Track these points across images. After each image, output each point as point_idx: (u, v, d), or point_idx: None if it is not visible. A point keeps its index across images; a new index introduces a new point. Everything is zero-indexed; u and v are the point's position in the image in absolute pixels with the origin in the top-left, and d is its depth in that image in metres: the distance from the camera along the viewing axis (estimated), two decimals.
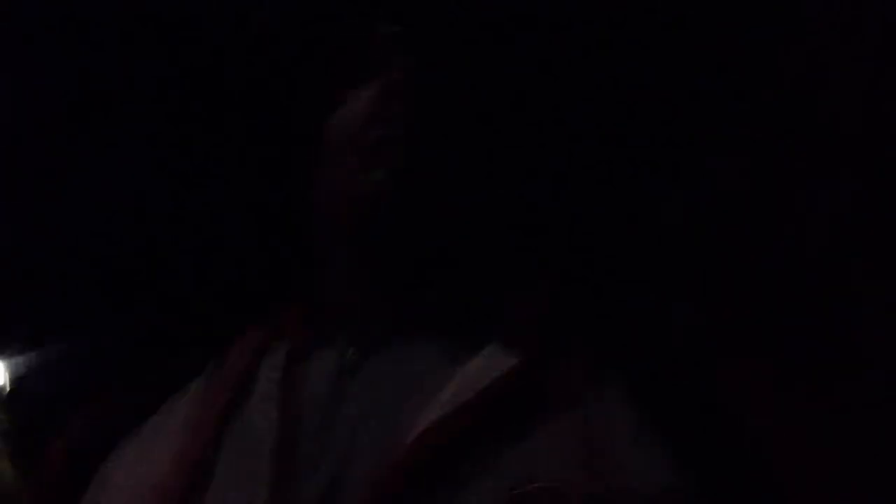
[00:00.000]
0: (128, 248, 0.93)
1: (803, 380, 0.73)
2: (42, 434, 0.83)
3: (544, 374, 0.66)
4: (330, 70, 0.79)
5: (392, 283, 0.74)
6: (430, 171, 0.71)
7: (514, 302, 0.73)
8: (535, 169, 0.80)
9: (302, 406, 0.67)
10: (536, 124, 0.80)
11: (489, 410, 0.63)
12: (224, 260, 0.89)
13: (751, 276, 0.80)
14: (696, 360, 0.71)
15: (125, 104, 0.92)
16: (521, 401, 0.64)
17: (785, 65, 0.82)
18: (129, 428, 0.75)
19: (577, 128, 0.84)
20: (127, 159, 0.93)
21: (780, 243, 0.80)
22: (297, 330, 0.75)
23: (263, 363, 0.73)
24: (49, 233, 0.95)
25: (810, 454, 0.69)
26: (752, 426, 0.68)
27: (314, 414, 0.66)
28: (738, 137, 0.83)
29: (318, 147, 0.76)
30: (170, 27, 0.88)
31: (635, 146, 0.85)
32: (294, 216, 0.82)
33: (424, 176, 0.71)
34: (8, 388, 0.86)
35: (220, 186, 0.90)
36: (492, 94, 0.77)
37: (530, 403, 0.64)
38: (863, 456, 0.70)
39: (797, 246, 0.79)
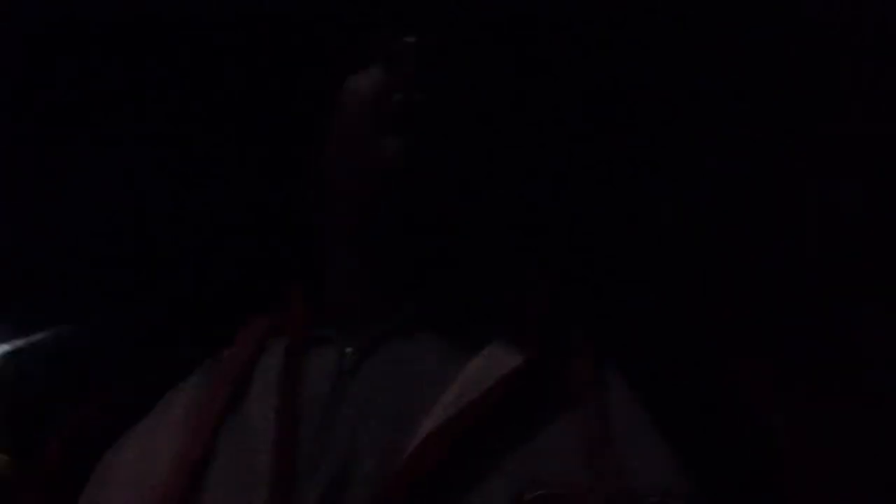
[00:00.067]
0: (127, 248, 0.93)
1: (803, 380, 0.73)
2: (40, 429, 0.83)
3: (546, 375, 0.66)
4: (330, 70, 0.79)
5: (392, 283, 0.74)
6: (431, 170, 0.71)
7: (514, 302, 0.73)
8: (536, 169, 0.80)
9: (301, 406, 0.67)
10: (536, 124, 0.80)
11: (492, 411, 0.63)
12: (224, 259, 0.89)
13: (751, 276, 0.80)
14: (697, 360, 0.71)
15: (125, 104, 0.92)
16: (524, 401, 0.64)
17: (785, 65, 0.82)
18: (128, 424, 0.75)
19: (577, 128, 0.84)
20: (127, 159, 0.93)
21: (780, 243, 0.80)
22: (296, 328, 0.74)
23: (261, 362, 0.72)
24: (49, 233, 0.95)
25: (810, 454, 0.69)
26: (752, 426, 0.68)
27: (313, 414, 0.66)
28: (738, 137, 0.83)
29: (324, 133, 0.76)
30: (170, 27, 0.88)
31: (635, 146, 0.85)
32: (294, 216, 0.82)
33: (425, 175, 0.71)
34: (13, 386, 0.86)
35: (220, 186, 0.90)
36: (492, 94, 0.77)
37: (533, 404, 0.64)
38: (863, 456, 0.70)
39: (797, 246, 0.79)
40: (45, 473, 0.78)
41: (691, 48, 0.84)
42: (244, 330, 0.76)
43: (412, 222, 0.72)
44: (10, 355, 0.89)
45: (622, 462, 0.61)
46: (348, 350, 0.69)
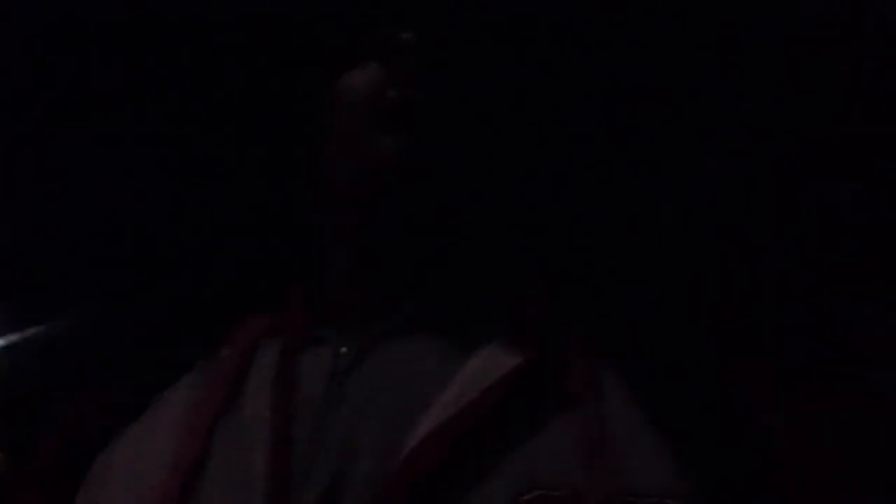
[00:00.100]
0: (127, 248, 0.93)
1: (803, 380, 0.73)
2: (35, 425, 0.83)
3: (545, 375, 0.66)
4: (330, 70, 0.79)
5: (391, 283, 0.74)
6: (430, 169, 0.71)
7: (513, 302, 0.72)
8: (536, 169, 0.80)
9: (295, 406, 0.67)
10: (536, 124, 0.80)
11: (491, 412, 0.63)
12: (224, 259, 0.89)
13: (751, 276, 0.80)
14: (697, 360, 0.70)
15: (125, 104, 0.92)
16: (523, 402, 0.64)
17: (785, 65, 0.82)
18: (126, 423, 0.75)
19: (577, 128, 0.84)
20: (127, 159, 0.93)
21: (780, 243, 0.80)
22: (292, 328, 0.74)
23: (256, 361, 0.72)
24: (49, 233, 0.95)
25: (810, 454, 0.69)
26: (752, 426, 0.68)
27: (308, 414, 0.66)
28: (738, 137, 0.83)
29: (323, 132, 0.76)
30: (170, 27, 0.88)
31: (635, 146, 0.85)
32: (294, 216, 0.82)
33: (424, 174, 0.71)
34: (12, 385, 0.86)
35: (220, 186, 0.90)
36: (492, 94, 0.77)
37: (531, 404, 0.64)
38: (863, 456, 0.70)
39: (797, 246, 0.79)
40: (41, 469, 0.78)
41: (691, 48, 0.84)
42: (240, 329, 0.76)
43: (411, 222, 0.72)
44: (4, 350, 0.88)
45: (620, 462, 0.61)
46: (343, 350, 0.69)
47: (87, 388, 0.84)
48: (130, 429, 0.74)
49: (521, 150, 0.79)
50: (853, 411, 0.71)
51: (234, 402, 0.69)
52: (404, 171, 0.70)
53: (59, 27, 0.89)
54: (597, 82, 0.84)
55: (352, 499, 0.60)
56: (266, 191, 0.87)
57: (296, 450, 0.63)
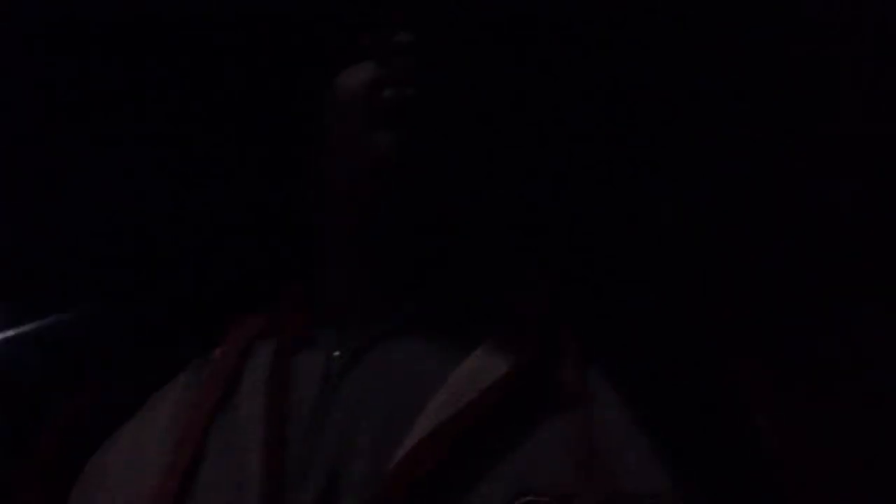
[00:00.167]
0: (127, 247, 0.93)
1: (803, 380, 0.73)
2: (34, 423, 0.83)
3: (541, 376, 0.66)
4: (330, 70, 0.79)
5: (391, 283, 0.73)
6: (429, 169, 0.71)
7: (513, 302, 0.72)
8: (535, 169, 0.80)
9: (290, 407, 0.67)
10: (536, 124, 0.80)
11: (488, 413, 0.63)
12: (223, 259, 0.89)
13: (751, 277, 0.80)
14: (696, 361, 0.70)
15: (125, 104, 0.92)
16: (517, 404, 0.64)
17: (785, 65, 0.82)
18: (123, 421, 0.75)
19: (577, 128, 0.84)
20: (127, 159, 0.93)
21: (780, 243, 0.80)
22: (286, 329, 0.74)
23: (251, 362, 0.72)
24: (49, 232, 0.95)
25: (810, 454, 0.69)
26: (752, 426, 0.68)
27: (303, 415, 0.65)
28: (738, 137, 0.83)
29: (323, 132, 0.76)
30: (170, 27, 0.88)
31: (635, 146, 0.85)
32: (293, 216, 0.82)
33: (425, 174, 0.71)
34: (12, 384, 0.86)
35: (220, 186, 0.90)
36: (492, 94, 0.77)
37: (527, 406, 0.64)
38: (863, 456, 0.70)
39: (797, 246, 0.79)
40: (40, 467, 0.78)
41: (691, 48, 0.84)
42: (236, 329, 0.76)
43: (411, 222, 0.72)
44: (3, 344, 0.88)
45: (615, 465, 0.61)
46: (336, 354, 0.69)
47: (87, 387, 0.84)
48: (125, 428, 0.74)
49: (520, 149, 0.79)
50: (853, 411, 0.71)
51: (229, 401, 0.69)
52: (403, 171, 0.70)
53: (59, 27, 0.89)
54: (597, 82, 0.84)
55: (348, 500, 0.60)
56: (266, 191, 0.87)
57: (290, 450, 0.63)
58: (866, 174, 0.78)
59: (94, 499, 0.70)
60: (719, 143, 0.84)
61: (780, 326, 0.76)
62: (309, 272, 0.79)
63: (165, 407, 0.73)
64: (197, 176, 0.92)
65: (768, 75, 0.82)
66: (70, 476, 0.73)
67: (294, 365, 0.70)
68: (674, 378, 0.68)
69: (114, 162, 0.93)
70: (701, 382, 0.68)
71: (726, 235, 0.82)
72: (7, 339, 0.89)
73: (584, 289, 0.78)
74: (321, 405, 0.66)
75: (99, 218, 0.93)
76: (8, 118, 0.92)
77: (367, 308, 0.73)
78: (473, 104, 0.75)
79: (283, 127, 0.83)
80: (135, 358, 0.85)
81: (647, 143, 0.85)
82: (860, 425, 0.71)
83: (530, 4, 0.82)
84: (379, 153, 0.69)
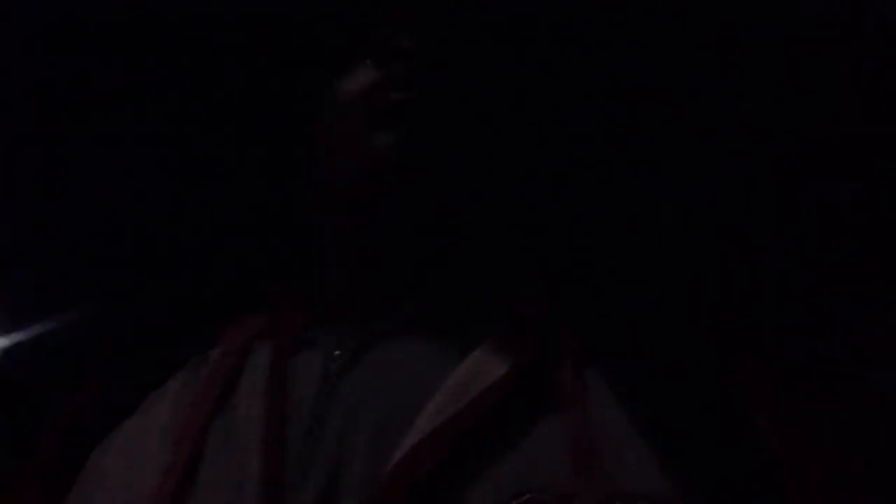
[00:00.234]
0: (127, 247, 0.93)
1: (803, 380, 0.73)
2: (32, 422, 0.83)
3: (543, 375, 0.66)
4: (330, 70, 0.78)
5: (390, 283, 0.73)
6: (431, 170, 0.71)
7: (513, 302, 0.72)
8: (535, 169, 0.80)
9: (289, 408, 0.66)
10: (537, 124, 0.80)
11: (486, 414, 0.63)
12: (223, 259, 0.89)
13: (751, 276, 0.80)
14: (696, 360, 0.70)
15: (125, 104, 0.92)
16: (517, 404, 0.64)
17: (785, 65, 0.82)
18: (121, 419, 0.75)
19: (578, 128, 0.84)
20: (127, 159, 0.93)
21: (780, 243, 0.80)
22: (284, 329, 0.74)
23: (249, 362, 0.72)
24: (49, 233, 0.95)
25: (810, 454, 0.69)
26: (751, 426, 0.68)
27: (302, 416, 0.65)
28: (738, 137, 0.83)
29: (323, 133, 0.76)
30: (170, 27, 0.88)
31: (635, 146, 0.85)
32: (293, 216, 0.82)
33: (425, 174, 0.71)
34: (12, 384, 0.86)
35: (220, 186, 0.90)
36: (492, 94, 0.77)
37: (526, 406, 0.64)
38: (863, 456, 0.70)
39: (797, 246, 0.79)
40: (40, 467, 0.78)
41: (691, 48, 0.84)
42: (235, 329, 0.76)
43: (411, 222, 0.72)
44: (6, 350, 0.88)
45: (613, 466, 0.61)
46: (336, 353, 0.69)
47: (87, 387, 0.84)
48: (124, 427, 0.74)
49: (520, 149, 0.79)
50: (853, 411, 0.71)
51: (228, 401, 0.69)
52: (403, 171, 0.70)
53: (59, 27, 0.89)
54: (597, 82, 0.84)
55: (347, 500, 0.60)
56: (266, 191, 0.86)
57: (289, 451, 0.63)
58: (866, 174, 0.78)
59: (93, 498, 0.70)
60: (719, 143, 0.84)
61: (780, 326, 0.76)
62: (308, 272, 0.79)
63: (164, 406, 0.73)
64: (197, 176, 0.92)
65: (768, 75, 0.82)
66: (70, 476, 0.73)
67: (293, 365, 0.70)
68: (674, 378, 0.68)
69: (114, 162, 0.93)
70: (701, 382, 0.68)
71: (726, 235, 0.82)
72: (10, 346, 0.89)
73: (584, 289, 0.78)
74: (320, 405, 0.66)
75: (99, 218, 0.93)
76: (8, 118, 0.92)
77: (367, 308, 0.73)
78: (473, 104, 0.75)
79: (283, 127, 0.83)
80: (135, 358, 0.85)
81: (647, 143, 0.85)
82: (860, 425, 0.71)
83: (530, 4, 0.82)
84: (379, 154, 0.70)
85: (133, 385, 0.79)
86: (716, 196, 0.83)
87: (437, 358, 0.67)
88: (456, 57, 0.75)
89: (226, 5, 0.87)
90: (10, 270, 0.94)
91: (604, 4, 0.84)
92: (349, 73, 0.74)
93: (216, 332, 0.77)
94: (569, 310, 0.73)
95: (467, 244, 0.75)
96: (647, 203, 0.85)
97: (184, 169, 0.92)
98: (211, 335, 0.77)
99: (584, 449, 0.61)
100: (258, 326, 0.76)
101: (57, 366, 0.89)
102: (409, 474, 0.59)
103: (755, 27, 0.82)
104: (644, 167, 0.86)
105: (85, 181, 0.93)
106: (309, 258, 0.79)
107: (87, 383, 0.85)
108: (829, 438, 0.70)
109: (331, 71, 0.77)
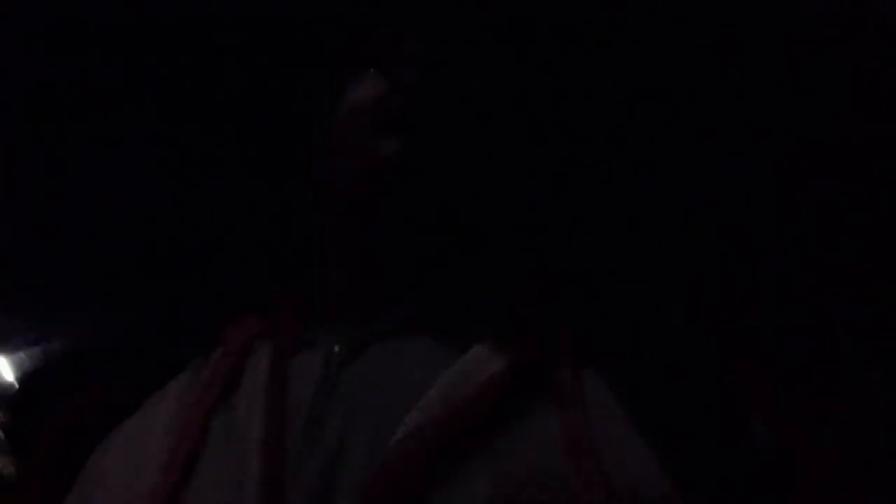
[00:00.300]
0: (127, 248, 0.93)
1: (803, 380, 0.73)
2: (32, 422, 0.83)
3: (542, 375, 0.66)
4: (331, 69, 0.79)
5: (391, 283, 0.74)
6: (431, 170, 0.71)
7: (513, 302, 0.72)
8: (535, 169, 0.80)
9: (288, 408, 0.67)
10: (536, 124, 0.80)
11: (483, 410, 0.63)
12: (223, 259, 0.89)
13: (751, 276, 0.80)
14: (696, 360, 0.70)
15: (125, 104, 0.92)
16: (517, 401, 0.64)
17: (785, 65, 0.82)
18: (121, 419, 0.75)
19: (578, 128, 0.84)
20: (127, 159, 0.93)
21: (780, 243, 0.80)
22: (284, 329, 0.74)
23: (250, 362, 0.72)
24: (49, 233, 0.95)
25: (810, 454, 0.69)
26: (751, 426, 0.68)
27: (301, 415, 0.66)
28: (738, 137, 0.83)
29: (323, 133, 0.76)
30: (170, 27, 0.88)
31: (635, 146, 0.85)
32: (294, 216, 0.82)
33: (425, 175, 0.71)
34: (14, 385, 0.86)
35: (220, 186, 0.90)
36: (492, 94, 0.77)
37: (526, 404, 0.64)
38: (863, 456, 0.70)
39: (797, 246, 0.79)
40: (40, 464, 0.78)
41: (691, 48, 0.84)
42: (235, 330, 0.76)
43: (411, 222, 0.72)
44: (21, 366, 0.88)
45: (614, 466, 0.61)
46: (336, 350, 0.69)
47: (87, 387, 0.84)
48: (123, 428, 0.74)
49: (520, 150, 0.79)
50: (853, 411, 0.71)
51: (228, 401, 0.69)
52: (404, 171, 0.70)
53: (59, 27, 0.89)
54: (597, 82, 0.84)
55: (345, 498, 0.60)
56: (266, 191, 0.87)
57: (289, 451, 0.63)
58: (866, 174, 0.78)
59: (93, 498, 0.70)
60: (719, 143, 0.84)
61: (780, 326, 0.76)
62: (308, 272, 0.79)
63: (165, 406, 0.73)
64: (197, 176, 0.92)
65: (768, 75, 0.82)
66: (70, 476, 0.73)
67: (293, 365, 0.70)
68: (673, 378, 0.68)
69: (114, 162, 0.93)
70: (700, 382, 0.68)
71: (726, 235, 0.82)
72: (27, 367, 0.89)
73: (584, 289, 0.78)
74: (319, 405, 0.66)
75: (99, 218, 0.93)
76: (8, 118, 0.92)
77: (367, 308, 0.73)
78: (473, 105, 0.75)
79: (283, 127, 0.83)
80: (135, 358, 0.85)
81: (647, 143, 0.85)
82: (860, 425, 0.71)
83: (530, 4, 0.82)
84: (382, 156, 0.70)
85: (133, 385, 0.79)
86: (716, 196, 0.83)
87: (436, 358, 0.67)
88: (456, 58, 0.75)
89: (226, 5, 0.87)
90: (9, 270, 0.94)
91: (604, 4, 0.84)
92: (354, 79, 0.75)
93: (217, 333, 0.77)
94: (569, 310, 0.73)
95: (467, 244, 0.75)
96: (647, 203, 0.85)
97: (184, 169, 0.92)
98: (211, 335, 0.77)
99: (583, 449, 0.61)
100: (258, 327, 0.76)
101: (57, 365, 0.90)
102: (399, 468, 0.59)
103: (755, 27, 0.82)
104: (644, 167, 0.86)
105: (85, 181, 0.93)
106: (309, 258, 0.79)
107: (87, 383, 0.85)
108: (829, 438, 0.70)
109: (331, 71, 0.77)
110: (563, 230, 0.82)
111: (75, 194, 0.94)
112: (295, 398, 0.67)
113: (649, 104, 0.85)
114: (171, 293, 0.90)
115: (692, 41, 0.84)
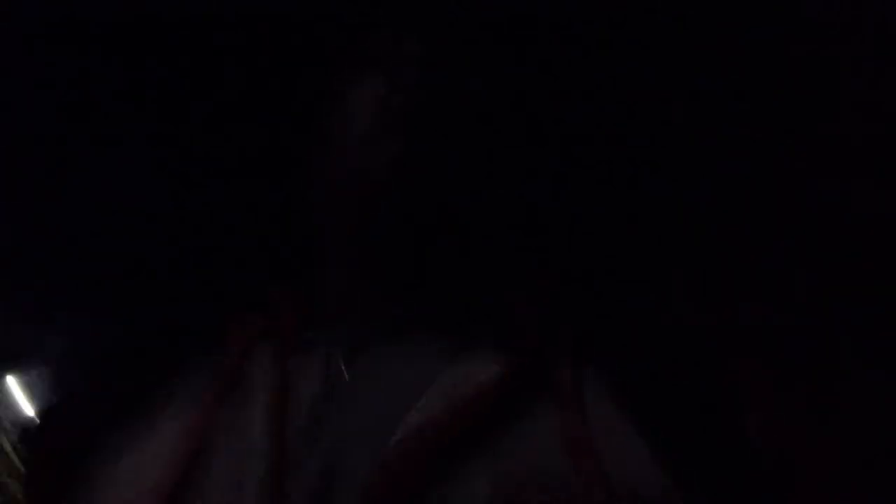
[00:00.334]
0: (127, 248, 0.93)
1: (803, 380, 0.73)
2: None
3: (541, 375, 0.66)
4: (331, 69, 0.78)
5: (391, 283, 0.74)
6: (431, 170, 0.71)
7: (513, 302, 0.72)
8: (535, 169, 0.80)
9: (291, 407, 0.67)
10: (536, 124, 0.80)
11: (483, 411, 0.63)
12: (223, 258, 0.89)
13: (751, 276, 0.80)
14: (696, 360, 0.70)
15: (125, 104, 0.92)
16: (517, 402, 0.64)
17: (785, 65, 0.82)
18: (123, 422, 0.75)
19: (578, 127, 0.84)
20: (127, 159, 0.93)
21: (780, 243, 0.80)
22: (287, 330, 0.74)
23: (250, 363, 0.72)
24: (49, 233, 0.95)
25: (810, 454, 0.69)
26: (752, 426, 0.68)
27: (301, 415, 0.66)
28: (738, 137, 0.83)
29: (324, 133, 0.76)
30: (170, 27, 0.88)
31: (635, 146, 0.85)
32: (294, 216, 0.82)
33: (425, 175, 0.71)
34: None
35: (220, 185, 0.90)
36: (492, 94, 0.77)
37: (526, 405, 0.64)
38: (863, 456, 0.70)
39: (797, 246, 0.79)
40: (40, 463, 0.78)
41: (691, 48, 0.84)
42: (235, 329, 0.76)
43: (411, 222, 0.72)
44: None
45: (614, 466, 0.61)
46: (335, 354, 0.69)
47: (87, 387, 0.84)
48: (125, 431, 0.74)
49: (521, 150, 0.79)
50: (853, 411, 0.71)
51: (230, 402, 0.69)
52: (405, 172, 0.70)
53: (59, 27, 0.89)
54: (597, 82, 0.84)
55: (342, 498, 0.60)
56: (266, 191, 0.86)
57: (291, 451, 0.64)
58: (866, 174, 0.78)
59: (96, 498, 0.70)
60: (719, 143, 0.84)
61: (780, 326, 0.76)
62: (308, 272, 0.79)
63: (166, 407, 0.73)
64: (197, 176, 0.92)
65: (768, 75, 0.82)
66: (70, 476, 0.73)
67: (294, 365, 0.70)
68: (673, 378, 0.68)
69: (114, 162, 0.93)
70: (700, 382, 0.68)
71: (726, 235, 0.82)
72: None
73: (584, 289, 0.78)
74: (320, 405, 0.66)
75: (98, 218, 0.93)
76: (8, 118, 0.92)
77: (367, 308, 0.73)
78: (473, 105, 0.75)
79: (283, 127, 0.83)
80: (135, 358, 0.85)
81: (647, 143, 0.85)
82: (860, 425, 0.71)
83: (530, 4, 0.82)
84: (383, 156, 0.70)
85: (133, 385, 0.79)
86: (716, 196, 0.83)
87: (436, 358, 0.67)
88: (456, 58, 0.75)
89: (226, 5, 0.87)
90: (10, 270, 0.94)
91: (604, 4, 0.84)
92: (354, 79, 0.75)
93: (217, 333, 0.77)
94: (569, 310, 0.73)
95: (467, 244, 0.75)
96: (647, 203, 0.85)
97: (184, 169, 0.92)
98: (211, 335, 0.77)
99: (583, 449, 0.61)
100: (258, 326, 0.76)
101: (57, 365, 0.90)
102: (396, 471, 0.60)
103: (755, 27, 0.82)
104: (644, 167, 0.86)
105: (85, 181, 0.93)
106: (309, 258, 0.79)
107: (88, 383, 0.85)
108: (829, 438, 0.70)
109: (332, 71, 0.77)
110: (563, 230, 0.82)
111: (75, 194, 0.94)
112: (296, 399, 0.67)
113: (649, 104, 0.85)
114: (171, 293, 0.90)
115: (692, 41, 0.84)
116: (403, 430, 0.61)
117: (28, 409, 0.87)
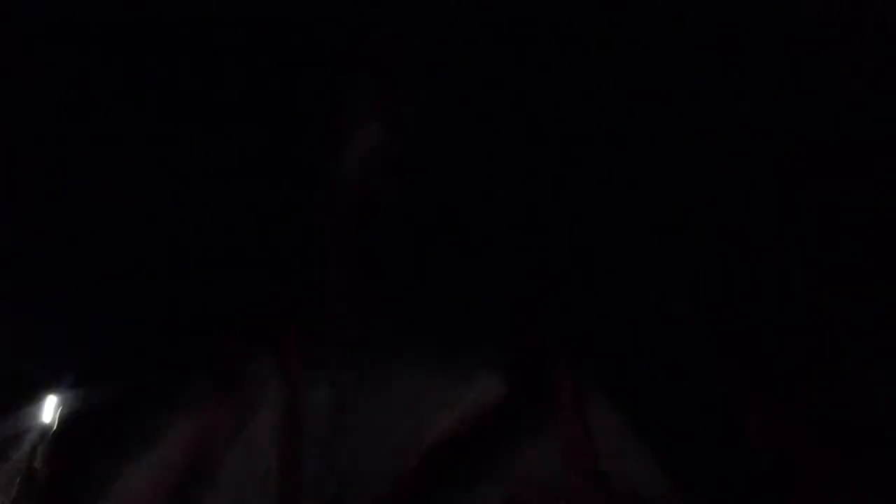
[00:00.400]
0: (127, 248, 0.93)
1: (803, 380, 0.73)
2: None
3: (542, 379, 0.66)
4: (331, 70, 0.78)
5: (391, 283, 0.74)
6: (431, 170, 0.71)
7: (513, 302, 0.72)
8: (535, 169, 0.80)
9: (303, 422, 0.67)
10: (536, 124, 0.80)
11: (488, 421, 0.63)
12: (223, 259, 0.89)
13: (751, 276, 0.80)
14: (696, 360, 0.70)
15: (125, 104, 0.92)
16: (520, 407, 0.64)
17: (785, 65, 0.82)
18: (123, 423, 0.75)
19: (578, 127, 0.84)
20: (127, 159, 0.93)
21: (780, 243, 0.80)
22: (290, 332, 0.74)
23: (252, 366, 0.72)
24: (49, 233, 0.95)
25: (810, 454, 0.69)
26: (752, 426, 0.68)
27: (316, 430, 0.66)
28: (738, 137, 0.83)
29: (324, 134, 0.76)
30: (170, 27, 0.88)
31: (635, 146, 0.85)
32: (294, 215, 0.82)
33: (425, 175, 0.71)
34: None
35: (220, 186, 0.90)
36: (492, 95, 0.77)
37: (529, 410, 0.64)
38: (863, 456, 0.70)
39: (797, 246, 0.79)
40: (40, 466, 0.78)
41: (691, 48, 0.84)
42: (235, 331, 0.76)
43: (412, 223, 0.72)
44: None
45: (611, 468, 0.61)
46: (343, 360, 0.69)
47: (87, 388, 0.84)
48: (135, 444, 0.74)
49: (521, 150, 0.79)
50: (853, 411, 0.71)
51: (232, 407, 0.69)
52: (405, 172, 0.70)
53: (59, 27, 0.89)
54: (597, 82, 0.84)
55: None
56: (266, 191, 0.86)
57: (305, 467, 0.64)
58: (866, 174, 0.78)
59: (96, 498, 0.70)
60: (719, 143, 0.84)
61: (780, 326, 0.76)
62: (308, 272, 0.79)
63: (167, 407, 0.73)
64: (197, 176, 0.92)
65: (768, 75, 0.82)
66: (70, 478, 0.73)
67: (299, 373, 0.70)
68: (673, 379, 0.68)
69: (114, 162, 0.93)
70: (700, 383, 0.68)
71: (726, 235, 0.82)
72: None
73: (584, 289, 0.78)
74: (334, 417, 0.66)
75: (98, 218, 0.93)
76: (8, 118, 0.92)
77: (368, 308, 0.73)
78: (474, 105, 0.75)
79: (283, 127, 0.83)
80: (135, 359, 0.85)
81: (647, 143, 0.85)
82: (860, 425, 0.71)
83: (530, 4, 0.82)
84: (384, 157, 0.70)
85: (133, 386, 0.79)
86: (716, 196, 0.83)
87: (437, 363, 0.67)
88: (456, 58, 0.75)
89: (226, 5, 0.87)
90: (10, 270, 0.94)
91: (604, 4, 0.84)
92: (355, 79, 0.75)
93: (217, 334, 0.77)
94: (569, 310, 0.73)
95: (467, 245, 0.75)
96: (647, 203, 0.85)
97: (184, 169, 0.92)
98: (212, 336, 0.77)
99: (583, 450, 0.61)
100: (260, 328, 0.76)
101: (57, 366, 0.89)
102: (409, 488, 0.60)
103: (755, 27, 0.82)
104: (644, 167, 0.86)
105: (85, 181, 0.93)
106: (309, 258, 0.79)
107: (88, 384, 0.85)
108: (829, 438, 0.70)
109: (332, 71, 0.77)
110: (563, 230, 0.82)
111: (75, 194, 0.94)
112: (308, 415, 0.67)
113: (649, 104, 0.85)
114: (171, 293, 0.90)
115: (692, 41, 0.84)
116: (416, 445, 0.61)
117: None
